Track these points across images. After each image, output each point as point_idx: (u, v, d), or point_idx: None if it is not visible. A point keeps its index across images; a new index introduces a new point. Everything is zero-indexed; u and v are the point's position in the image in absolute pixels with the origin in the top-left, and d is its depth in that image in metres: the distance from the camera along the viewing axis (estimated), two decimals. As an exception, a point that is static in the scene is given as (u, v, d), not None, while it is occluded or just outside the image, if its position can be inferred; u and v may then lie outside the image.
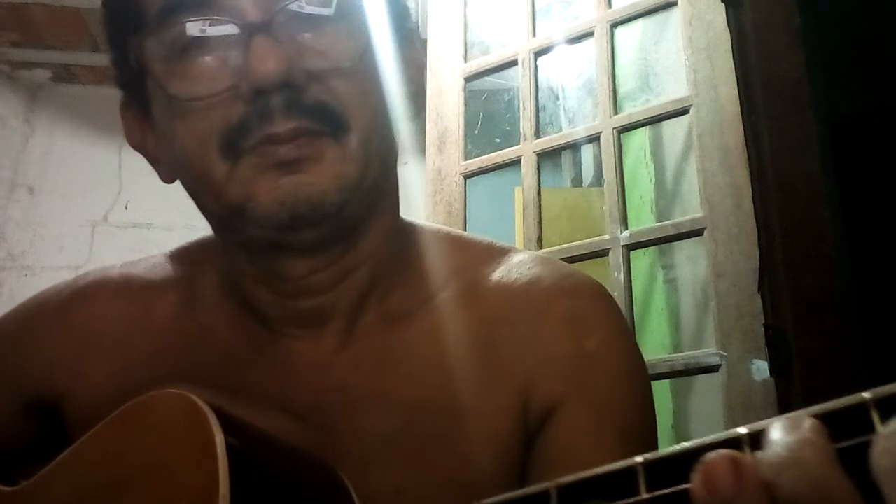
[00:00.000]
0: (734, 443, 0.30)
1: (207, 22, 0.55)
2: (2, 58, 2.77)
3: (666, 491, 0.30)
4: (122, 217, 2.77)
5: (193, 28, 0.55)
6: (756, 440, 0.30)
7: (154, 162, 0.65)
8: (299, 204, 0.54)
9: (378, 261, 0.63)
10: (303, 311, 0.62)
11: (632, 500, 0.31)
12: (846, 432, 0.28)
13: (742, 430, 0.30)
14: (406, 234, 0.68)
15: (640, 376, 0.64)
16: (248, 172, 0.55)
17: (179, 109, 0.57)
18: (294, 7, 0.55)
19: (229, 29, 0.55)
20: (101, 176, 2.71)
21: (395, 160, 0.65)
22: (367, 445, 0.58)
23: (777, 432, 0.29)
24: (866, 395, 0.28)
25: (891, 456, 0.27)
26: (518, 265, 0.66)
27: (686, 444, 0.30)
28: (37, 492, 0.54)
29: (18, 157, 2.77)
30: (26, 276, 2.66)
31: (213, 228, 0.65)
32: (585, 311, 0.64)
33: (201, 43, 0.56)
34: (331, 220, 0.56)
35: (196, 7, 0.55)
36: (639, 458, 0.31)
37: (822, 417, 0.29)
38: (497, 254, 0.68)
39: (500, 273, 0.66)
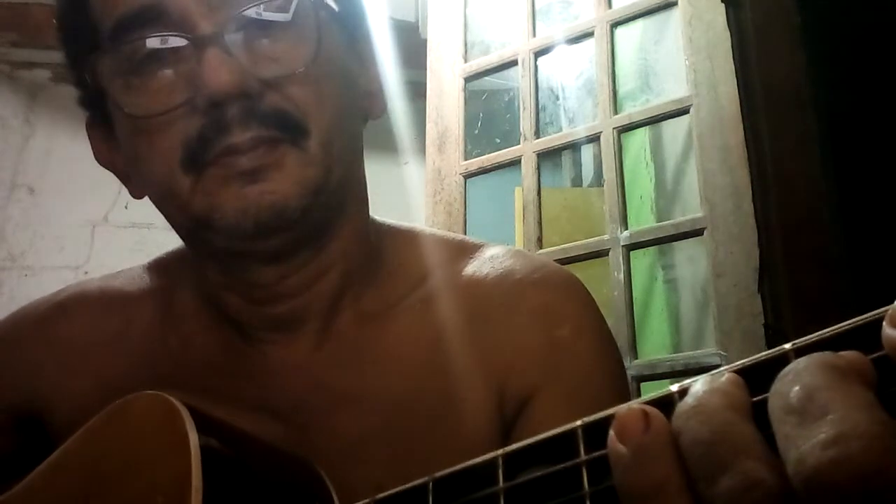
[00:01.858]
0: (667, 400, 0.31)
1: (160, 38, 0.55)
2: (2, 58, 2.77)
3: (603, 451, 0.31)
4: (122, 217, 2.77)
5: (146, 45, 0.55)
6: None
7: (123, 179, 0.65)
8: (263, 212, 0.54)
9: (349, 261, 0.63)
10: (276, 316, 0.62)
11: (572, 462, 0.32)
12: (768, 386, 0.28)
13: (674, 388, 0.31)
14: (378, 232, 0.68)
15: (612, 364, 0.65)
16: (211, 184, 0.55)
17: (139, 127, 0.57)
18: (252, 14, 0.55)
19: (182, 43, 0.55)
20: (101, 176, 2.68)
21: (361, 159, 0.65)
22: (347, 443, 0.59)
23: (696, 385, 0.30)
24: (787, 346, 0.29)
25: (779, 397, 0.27)
26: (490, 259, 0.67)
27: (621, 406, 0.31)
28: (24, 496, 0.54)
29: (18, 157, 2.77)
30: (26, 276, 2.66)
31: (183, 240, 0.65)
32: (557, 301, 0.65)
33: (155, 59, 0.56)
34: (296, 225, 0.56)
35: (148, 23, 0.55)
36: (577, 422, 0.33)
37: (747, 371, 0.30)
38: (470, 249, 0.69)
39: (473, 268, 0.66)
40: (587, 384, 0.61)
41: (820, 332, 0.29)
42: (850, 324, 0.28)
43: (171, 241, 0.71)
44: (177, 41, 0.55)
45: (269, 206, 0.54)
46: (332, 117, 0.58)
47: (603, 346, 0.65)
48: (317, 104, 0.57)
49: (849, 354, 0.27)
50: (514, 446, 0.34)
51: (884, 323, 0.27)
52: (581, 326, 0.64)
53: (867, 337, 0.28)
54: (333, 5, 0.61)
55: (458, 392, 0.61)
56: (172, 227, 0.62)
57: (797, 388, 0.27)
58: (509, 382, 0.61)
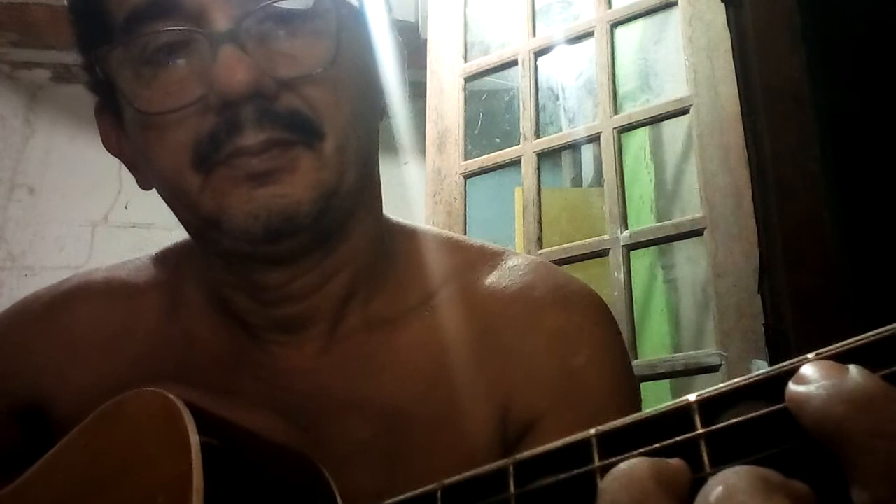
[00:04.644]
0: (684, 411, 0.30)
1: (174, 32, 0.53)
2: (2, 58, 2.77)
3: (618, 458, 0.30)
4: (122, 217, 2.77)
5: (159, 39, 0.54)
6: (709, 408, 0.30)
7: (131, 168, 0.64)
8: (273, 217, 0.53)
9: (359, 264, 0.62)
10: (284, 318, 0.61)
11: (585, 468, 0.31)
12: None
13: (691, 397, 0.30)
14: (392, 235, 0.66)
15: (626, 398, 0.62)
16: (221, 185, 0.54)
17: (149, 122, 0.55)
18: (270, 5, 0.53)
19: (196, 38, 0.53)
20: (101, 176, 2.70)
21: (376, 161, 0.64)
22: (348, 449, 0.58)
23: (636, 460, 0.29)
24: (810, 356, 0.29)
25: (702, 495, 0.27)
26: (511, 270, 0.65)
27: (636, 415, 0.31)
28: (20, 493, 0.54)
29: (18, 157, 2.77)
30: (26, 276, 2.66)
31: (192, 237, 0.64)
32: (575, 325, 0.62)
33: (168, 52, 0.54)
34: (307, 229, 0.55)
35: (162, 16, 0.53)
36: (591, 431, 0.32)
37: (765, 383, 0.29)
38: (490, 257, 0.66)
39: (492, 278, 0.64)
40: (596, 418, 0.60)
41: (841, 343, 0.28)
42: (871, 335, 0.28)
43: (170, 241, 0.71)
44: (191, 36, 0.53)
45: (281, 210, 0.53)
46: (348, 119, 0.56)
47: (618, 378, 0.62)
48: (334, 106, 0.55)
49: (790, 481, 0.27)
50: (526, 454, 0.33)
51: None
52: (598, 356, 0.61)
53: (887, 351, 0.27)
54: (354, 2, 0.59)
55: (462, 406, 0.59)
56: (181, 223, 0.61)
57: (720, 487, 0.26)
58: (515, 403, 0.59)
